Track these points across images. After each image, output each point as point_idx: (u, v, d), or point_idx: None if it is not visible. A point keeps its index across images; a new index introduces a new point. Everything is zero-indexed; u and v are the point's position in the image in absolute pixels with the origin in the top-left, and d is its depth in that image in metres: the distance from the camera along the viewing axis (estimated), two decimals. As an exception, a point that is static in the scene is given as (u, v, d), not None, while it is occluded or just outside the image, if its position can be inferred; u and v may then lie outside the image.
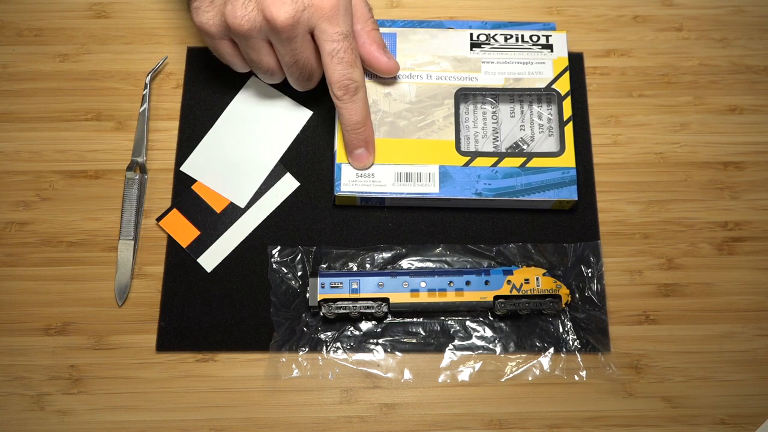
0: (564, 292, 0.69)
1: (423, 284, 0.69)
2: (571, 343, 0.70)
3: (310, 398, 0.68)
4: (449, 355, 0.70)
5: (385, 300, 0.69)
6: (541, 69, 0.76)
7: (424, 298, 0.69)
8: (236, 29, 0.66)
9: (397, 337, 0.70)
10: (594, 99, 0.79)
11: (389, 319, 0.71)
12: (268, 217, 0.74)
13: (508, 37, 0.77)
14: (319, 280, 0.69)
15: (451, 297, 0.69)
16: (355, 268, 0.72)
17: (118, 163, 0.75)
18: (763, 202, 0.75)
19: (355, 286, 0.69)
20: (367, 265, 0.72)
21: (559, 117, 0.75)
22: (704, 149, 0.77)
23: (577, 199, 0.72)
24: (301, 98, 0.78)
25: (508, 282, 0.69)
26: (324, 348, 0.69)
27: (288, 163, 0.76)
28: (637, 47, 0.81)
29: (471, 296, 0.69)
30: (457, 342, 0.70)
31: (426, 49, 0.76)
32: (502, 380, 0.69)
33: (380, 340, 0.70)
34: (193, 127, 0.77)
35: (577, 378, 0.69)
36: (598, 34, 0.81)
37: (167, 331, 0.70)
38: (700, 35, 0.81)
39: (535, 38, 0.77)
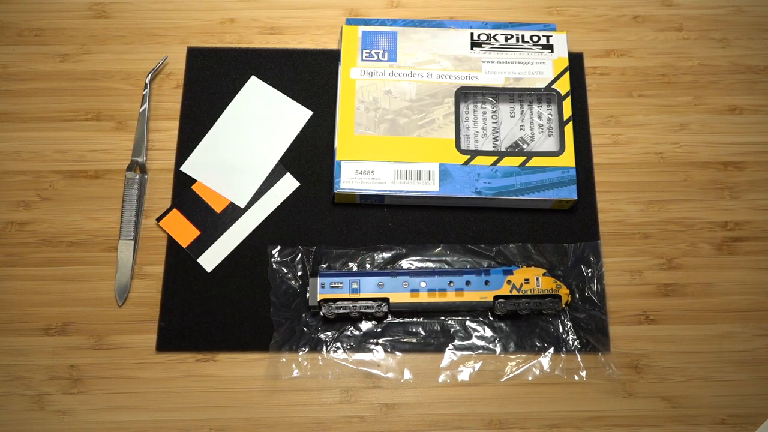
0: (564, 292, 0.69)
1: (423, 284, 0.69)
2: (571, 343, 0.70)
3: (310, 398, 0.68)
4: (449, 355, 0.70)
5: (385, 300, 0.69)
6: (542, 69, 0.76)
7: (424, 298, 0.69)
8: None
9: (397, 337, 0.70)
10: (594, 99, 0.79)
11: (389, 319, 0.71)
12: (268, 217, 0.74)
13: (509, 37, 0.77)
14: (319, 280, 0.69)
15: (451, 297, 0.69)
16: (355, 268, 0.72)
17: (118, 163, 0.75)
18: (763, 202, 0.75)
19: (355, 286, 0.69)
20: (367, 265, 0.72)
21: (559, 117, 0.75)
22: (704, 149, 0.77)
23: (576, 198, 0.72)
24: (301, 98, 0.78)
25: (508, 282, 0.69)
26: (324, 348, 0.69)
27: (288, 163, 0.76)
28: (637, 47, 0.81)
29: (471, 296, 0.69)
30: (457, 342, 0.70)
31: (427, 48, 0.77)
32: (502, 380, 0.69)
33: (380, 340, 0.70)
34: (193, 127, 0.77)
35: (577, 378, 0.69)
36: (598, 34, 0.81)
37: (167, 331, 0.70)
38: (700, 35, 0.81)
39: (535, 38, 0.77)
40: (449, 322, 0.71)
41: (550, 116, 0.76)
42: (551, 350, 0.70)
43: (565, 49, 0.77)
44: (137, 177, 0.74)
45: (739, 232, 0.74)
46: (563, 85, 0.75)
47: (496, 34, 0.77)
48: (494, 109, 0.76)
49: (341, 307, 0.69)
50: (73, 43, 0.80)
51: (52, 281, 0.71)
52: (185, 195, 0.74)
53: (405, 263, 0.72)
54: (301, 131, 0.77)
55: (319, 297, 0.69)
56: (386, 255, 0.72)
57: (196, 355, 0.69)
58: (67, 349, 0.69)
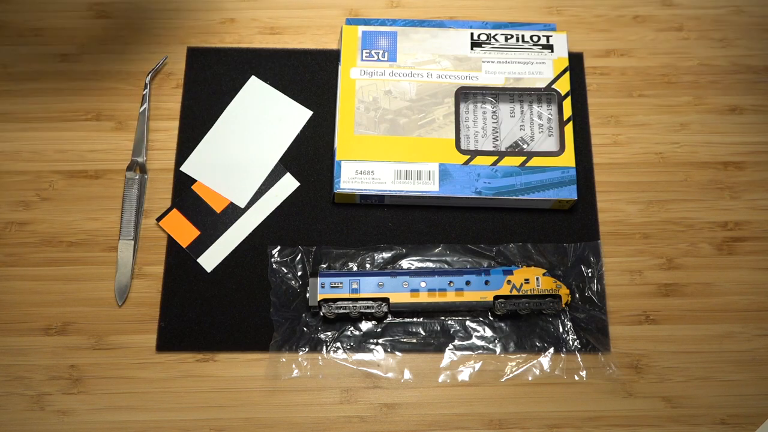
0: (564, 292, 0.69)
1: (423, 284, 0.69)
2: (571, 343, 0.70)
3: (310, 398, 0.68)
4: (449, 355, 0.70)
5: (385, 300, 0.69)
6: (542, 69, 0.76)
7: (424, 298, 0.69)
8: None
9: (397, 337, 0.70)
10: (594, 99, 0.79)
11: (389, 319, 0.71)
12: (268, 217, 0.74)
13: (509, 37, 0.77)
14: (319, 280, 0.69)
15: (451, 297, 0.69)
16: (355, 268, 0.72)
17: (118, 163, 0.75)
18: (763, 202, 0.75)
19: (355, 286, 0.69)
20: (367, 265, 0.72)
21: (559, 117, 0.75)
22: (704, 149, 0.77)
23: (576, 198, 0.72)
24: (301, 98, 0.78)
25: (508, 282, 0.69)
26: (324, 348, 0.69)
27: (288, 163, 0.76)
28: (637, 47, 0.81)
29: (471, 296, 0.69)
30: (457, 342, 0.70)
31: (427, 47, 0.77)
32: (502, 380, 0.69)
33: (380, 340, 0.70)
34: (193, 127, 0.77)
35: (577, 378, 0.69)
36: (598, 34, 0.81)
37: (167, 331, 0.70)
38: (700, 35, 0.81)
39: (535, 38, 0.77)
40: (449, 322, 0.71)
41: (550, 116, 0.76)
42: (551, 350, 0.70)
43: (565, 49, 0.77)
44: (137, 177, 0.74)
45: (739, 232, 0.74)
46: (563, 85, 0.75)
47: (496, 34, 0.77)
48: (494, 109, 0.76)
49: (341, 307, 0.69)
50: (73, 43, 0.80)
51: (52, 281, 0.71)
52: (185, 195, 0.75)
53: (405, 263, 0.72)
54: (301, 131, 0.77)
55: (319, 297, 0.69)
56: (386, 255, 0.72)
57: (196, 355, 0.69)
58: (67, 349, 0.69)
